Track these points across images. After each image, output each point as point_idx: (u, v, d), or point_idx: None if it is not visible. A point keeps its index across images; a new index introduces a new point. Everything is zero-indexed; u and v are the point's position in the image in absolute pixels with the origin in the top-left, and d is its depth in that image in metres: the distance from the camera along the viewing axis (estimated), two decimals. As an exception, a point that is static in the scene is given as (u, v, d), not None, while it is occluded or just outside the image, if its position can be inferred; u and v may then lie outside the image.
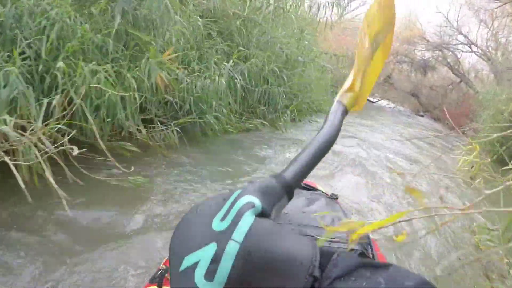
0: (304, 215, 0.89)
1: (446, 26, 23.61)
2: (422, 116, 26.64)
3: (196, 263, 0.45)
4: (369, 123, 11.72)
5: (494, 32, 22.72)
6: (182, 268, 0.47)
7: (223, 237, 0.46)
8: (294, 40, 8.79)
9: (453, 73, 26.55)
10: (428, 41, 25.62)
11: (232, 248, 0.45)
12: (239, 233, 0.46)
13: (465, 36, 23.10)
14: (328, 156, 0.77)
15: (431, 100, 28.46)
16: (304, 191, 1.09)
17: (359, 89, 0.71)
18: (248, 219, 0.47)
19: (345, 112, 0.68)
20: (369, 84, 0.76)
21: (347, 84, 0.71)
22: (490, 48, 22.58)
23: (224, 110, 5.27)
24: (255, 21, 6.85)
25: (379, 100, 26.87)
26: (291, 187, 0.54)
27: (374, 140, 8.50)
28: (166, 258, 0.87)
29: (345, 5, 11.38)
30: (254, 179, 0.73)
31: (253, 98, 6.69)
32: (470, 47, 23.73)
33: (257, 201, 0.49)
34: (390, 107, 26.64)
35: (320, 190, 1.14)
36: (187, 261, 0.46)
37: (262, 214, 0.50)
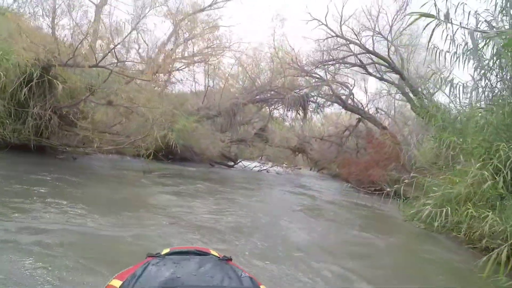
0: (195, 277, 0.98)
1: (327, 38, 14.77)
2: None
3: None
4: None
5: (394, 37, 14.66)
6: None
7: None
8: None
9: (346, 109, 17.49)
10: (299, 65, 16.36)
11: None
12: None
13: (359, 45, 14.22)
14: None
15: (325, 153, 19.03)
16: (196, 256, 1.14)
17: None
18: None
19: None
20: None
21: None
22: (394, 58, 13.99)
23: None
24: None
25: (239, 161, 16.29)
26: None
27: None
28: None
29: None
30: None
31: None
32: (362, 65, 14.89)
33: None
34: (260, 169, 16.10)
35: (212, 254, 1.18)
36: None
37: None
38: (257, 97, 16.26)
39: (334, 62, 14.76)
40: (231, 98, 15.03)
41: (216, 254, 1.18)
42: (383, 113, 18.32)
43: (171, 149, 12.10)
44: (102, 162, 9.55)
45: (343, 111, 20.17)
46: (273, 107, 18.61)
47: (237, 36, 19.52)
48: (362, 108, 17.30)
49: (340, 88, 17.89)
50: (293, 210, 7.70)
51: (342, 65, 16.07)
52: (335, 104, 18.12)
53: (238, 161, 16.46)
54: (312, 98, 18.02)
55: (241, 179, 12.14)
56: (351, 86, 17.56)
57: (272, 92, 17.11)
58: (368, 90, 19.52)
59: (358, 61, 14.79)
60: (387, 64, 13.88)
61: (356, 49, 14.85)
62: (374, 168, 11.24)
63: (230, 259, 1.15)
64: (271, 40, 17.54)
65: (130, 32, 9.79)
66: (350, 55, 14.50)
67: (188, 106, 13.06)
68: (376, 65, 14.95)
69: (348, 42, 14.33)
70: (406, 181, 5.89)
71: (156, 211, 5.48)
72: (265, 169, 16.44)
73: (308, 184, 14.19)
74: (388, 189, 6.26)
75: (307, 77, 17.20)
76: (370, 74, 15.70)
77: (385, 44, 14.90)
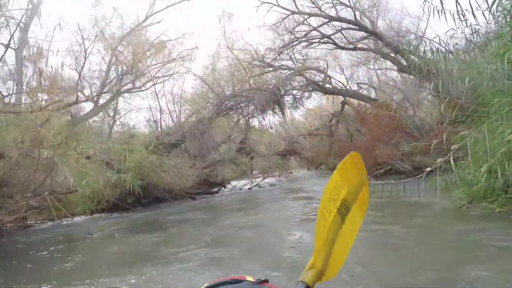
0: None
1: (283, 19, 12.75)
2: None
3: None
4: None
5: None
6: None
7: None
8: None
9: (326, 93, 15.47)
10: (260, 60, 14.32)
11: None
12: None
13: (320, 16, 12.24)
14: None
15: (318, 149, 16.92)
16: (230, 286, 1.03)
17: (324, 263, 0.73)
18: None
19: None
20: (343, 251, 0.77)
21: (309, 262, 0.73)
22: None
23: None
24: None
25: (227, 184, 14.03)
26: None
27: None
28: None
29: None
30: None
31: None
32: (327, 37, 12.87)
33: None
34: (251, 186, 13.88)
35: (247, 280, 1.05)
36: None
37: None
38: (224, 104, 14.09)
39: (297, 42, 12.73)
40: (192, 115, 12.91)
41: (252, 279, 1.08)
42: (366, 87, 16.37)
43: (134, 193, 9.89)
44: (42, 234, 7.23)
45: (324, 99, 18.31)
46: (249, 115, 16.51)
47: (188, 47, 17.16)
48: (343, 87, 15.33)
49: (314, 76, 16.02)
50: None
51: (310, 47, 14.15)
52: (314, 94, 16.17)
53: (224, 184, 14.20)
54: (287, 92, 16.05)
55: (226, 206, 9.90)
56: (325, 69, 15.62)
57: (241, 98, 15.02)
58: (344, 70, 17.67)
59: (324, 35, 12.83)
60: (356, 27, 11.91)
61: (318, 21, 12.94)
62: (377, 147, 9.10)
63: (266, 281, 1.06)
64: (226, 42, 15.60)
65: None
66: (312, 30, 12.49)
67: (140, 137, 10.85)
68: (345, 34, 13.02)
69: (308, 16, 12.37)
70: (453, 147, 3.64)
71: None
72: (256, 185, 14.19)
73: (305, 186, 12.00)
74: (428, 168, 3.96)
75: (276, 72, 15.26)
76: (341, 47, 13.73)
77: (347, 13, 13.01)
